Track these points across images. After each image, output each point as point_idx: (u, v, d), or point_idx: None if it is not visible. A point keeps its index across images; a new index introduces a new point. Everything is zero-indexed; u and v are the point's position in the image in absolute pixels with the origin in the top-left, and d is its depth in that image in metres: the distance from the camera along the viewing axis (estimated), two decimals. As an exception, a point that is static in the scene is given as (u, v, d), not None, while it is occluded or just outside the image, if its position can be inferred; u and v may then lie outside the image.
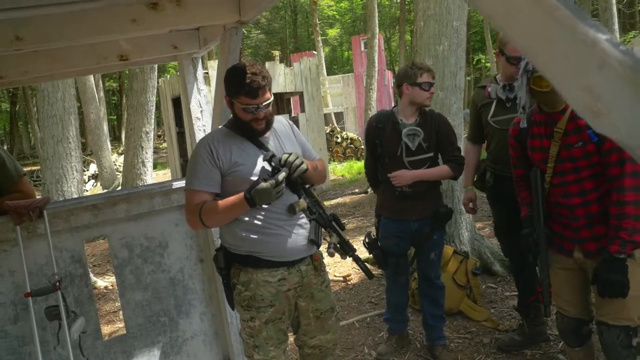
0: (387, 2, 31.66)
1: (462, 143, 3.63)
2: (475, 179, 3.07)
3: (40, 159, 5.65)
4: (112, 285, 5.13)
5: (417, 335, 3.28)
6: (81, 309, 2.49)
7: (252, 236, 1.96)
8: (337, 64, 39.55)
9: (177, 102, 9.95)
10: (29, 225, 2.35)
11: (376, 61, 11.24)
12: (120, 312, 4.22)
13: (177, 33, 2.35)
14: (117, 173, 13.24)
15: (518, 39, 0.51)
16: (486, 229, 5.31)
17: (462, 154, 2.94)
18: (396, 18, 30.80)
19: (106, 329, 4.05)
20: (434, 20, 3.95)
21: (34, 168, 16.51)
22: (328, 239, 2.07)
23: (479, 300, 3.61)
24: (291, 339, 2.29)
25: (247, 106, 1.88)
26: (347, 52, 38.51)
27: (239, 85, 1.87)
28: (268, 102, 1.92)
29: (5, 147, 28.68)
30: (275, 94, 10.49)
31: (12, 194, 2.43)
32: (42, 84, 4.91)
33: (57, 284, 2.31)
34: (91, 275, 5.15)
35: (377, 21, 11.72)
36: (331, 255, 2.05)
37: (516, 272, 3.04)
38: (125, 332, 2.68)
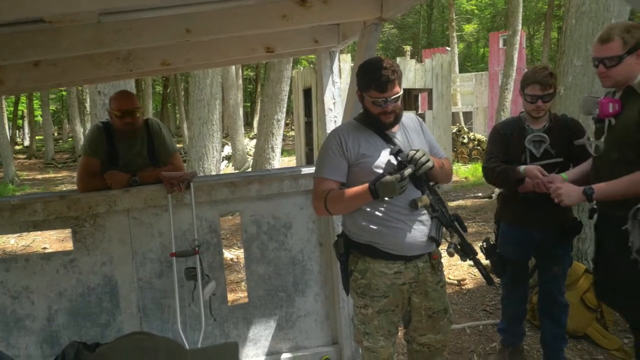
0: (533, -4, 29.43)
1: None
2: None
3: (187, 138, 6.32)
4: (237, 258, 5.60)
5: (534, 352, 3.09)
6: (213, 274, 2.77)
7: (372, 226, 2.01)
8: (470, 61, 37.82)
9: (307, 93, 10.37)
10: (178, 195, 2.68)
11: (515, 60, 10.57)
12: (242, 284, 4.61)
13: (318, 28, 2.49)
14: (247, 156, 14.26)
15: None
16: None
17: None
18: (542, 13, 28.48)
19: (229, 297, 4.43)
20: (588, 18, 3.62)
21: (177, 146, 18.37)
22: (449, 239, 2.06)
23: (611, 327, 3.28)
24: (401, 333, 2.31)
25: (376, 99, 1.94)
26: (482, 49, 36.63)
27: (369, 79, 1.93)
28: (397, 95, 1.96)
29: (157, 125, 32.27)
30: (403, 90, 10.41)
31: (167, 166, 2.81)
32: (195, 71, 5.49)
33: (197, 248, 2.61)
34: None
35: (520, 17, 11.00)
36: (450, 255, 2.03)
37: None
38: (247, 300, 2.93)
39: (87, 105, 17.10)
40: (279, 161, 8.05)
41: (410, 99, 11.12)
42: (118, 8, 1.69)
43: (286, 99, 7.62)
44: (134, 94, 2.92)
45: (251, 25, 2.01)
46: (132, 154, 2.77)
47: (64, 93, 27.33)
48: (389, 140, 2.05)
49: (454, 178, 10.76)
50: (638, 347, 2.27)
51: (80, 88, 18.14)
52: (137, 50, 2.30)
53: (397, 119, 2.04)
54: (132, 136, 2.75)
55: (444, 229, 2.06)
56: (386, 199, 1.94)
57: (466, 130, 14.51)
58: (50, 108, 26.76)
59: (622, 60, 2.05)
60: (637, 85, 2.06)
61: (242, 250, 3.25)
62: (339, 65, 8.73)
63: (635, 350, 2.29)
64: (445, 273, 4.51)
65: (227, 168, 15.14)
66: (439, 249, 2.13)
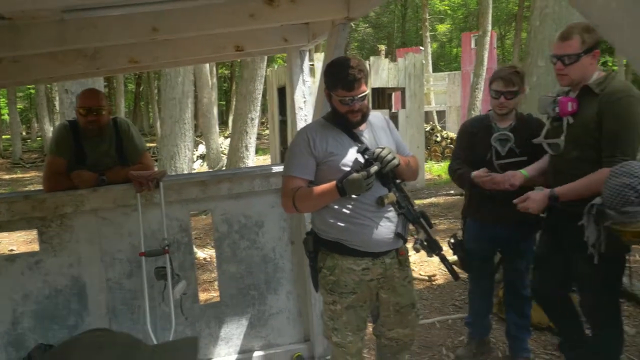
0: (504, -3, 30.05)
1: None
2: None
3: (158, 137, 6.27)
4: (210, 258, 5.56)
5: (500, 344, 3.18)
6: (183, 274, 2.76)
7: (339, 224, 2.04)
8: (444, 61, 38.32)
9: (282, 92, 10.37)
10: (147, 194, 2.66)
11: (485, 60, 10.77)
12: (215, 283, 4.59)
13: (288, 27, 2.51)
14: (222, 155, 14.13)
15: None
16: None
17: None
18: (513, 14, 29.09)
19: (202, 296, 4.41)
20: (551, 20, 3.73)
21: (150, 145, 18.14)
22: (416, 235, 2.10)
23: (573, 319, 3.38)
24: (370, 328, 2.35)
25: (343, 98, 1.97)
26: (455, 49, 37.17)
27: (336, 78, 1.97)
28: (364, 94, 1.99)
29: (129, 124, 31.77)
30: (376, 89, 10.53)
31: (136, 165, 2.78)
32: (167, 69, 5.43)
33: (166, 248, 2.60)
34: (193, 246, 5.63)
35: (490, 18, 11.22)
36: (417, 250, 2.07)
37: None
38: (219, 299, 2.93)
39: (57, 103, 16.66)
40: (254, 160, 8.03)
41: (383, 98, 11.23)
42: (81, 5, 1.67)
43: (260, 98, 7.59)
44: (100, 91, 2.88)
45: (219, 24, 2.01)
46: (99, 153, 2.74)
47: (32, 91, 26.54)
48: (356, 139, 2.08)
49: (427, 176, 10.92)
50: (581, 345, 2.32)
51: (49, 86, 17.67)
52: (104, 48, 2.27)
53: (364, 118, 2.07)
54: (99, 135, 2.72)
55: (410, 226, 2.10)
56: (353, 196, 1.98)
57: (439, 128, 14.72)
58: (18, 106, 25.98)
59: (579, 59, 2.11)
60: (594, 84, 2.13)
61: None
62: (313, 65, 8.76)
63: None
64: (416, 269, 4.62)
65: (201, 167, 15.00)
66: (406, 245, 2.18)
